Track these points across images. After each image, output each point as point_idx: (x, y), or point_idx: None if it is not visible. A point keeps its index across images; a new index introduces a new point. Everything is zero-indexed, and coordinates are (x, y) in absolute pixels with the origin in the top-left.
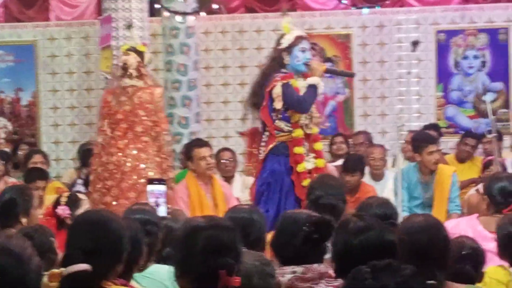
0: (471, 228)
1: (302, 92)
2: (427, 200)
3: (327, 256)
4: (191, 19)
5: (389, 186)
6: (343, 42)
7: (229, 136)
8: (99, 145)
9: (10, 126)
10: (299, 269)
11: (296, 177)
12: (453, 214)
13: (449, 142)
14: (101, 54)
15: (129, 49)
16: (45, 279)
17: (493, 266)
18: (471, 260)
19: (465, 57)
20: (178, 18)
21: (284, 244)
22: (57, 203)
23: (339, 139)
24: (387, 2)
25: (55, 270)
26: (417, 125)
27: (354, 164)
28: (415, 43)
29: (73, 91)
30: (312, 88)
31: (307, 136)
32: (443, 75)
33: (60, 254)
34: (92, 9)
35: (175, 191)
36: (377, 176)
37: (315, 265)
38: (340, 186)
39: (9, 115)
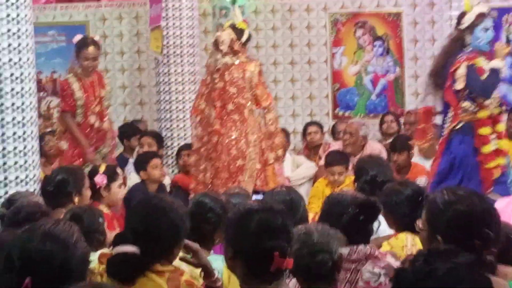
0: None
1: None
2: None
3: (373, 237)
4: None
5: None
6: (393, 20)
7: (279, 115)
8: (198, 124)
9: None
10: (344, 250)
11: (483, 158)
12: None
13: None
14: (151, 35)
15: (229, 26)
16: (95, 261)
17: None
18: None
19: None
20: None
21: (330, 225)
22: (92, 171)
23: (389, 117)
24: None
25: (106, 251)
26: None
27: (401, 143)
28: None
29: (124, 71)
30: (495, 72)
31: (490, 117)
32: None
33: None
34: None
35: None
36: (427, 154)
37: (361, 246)
38: (388, 165)
39: None
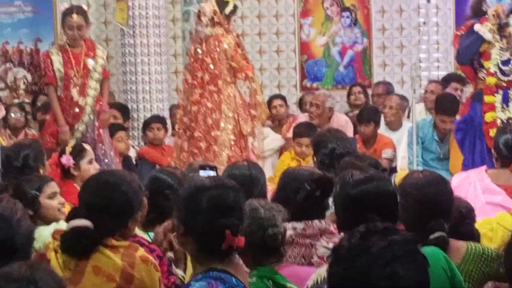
0: (480, 180)
1: None
2: (442, 156)
3: (329, 212)
4: None
5: (405, 137)
6: None
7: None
8: (182, 94)
9: (29, 77)
10: (299, 225)
11: (485, 126)
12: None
13: (467, 92)
14: (117, 5)
15: None
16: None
17: (502, 213)
18: (469, 218)
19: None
20: None
21: (286, 200)
22: (60, 153)
23: (357, 89)
24: None
25: (60, 228)
26: (435, 74)
27: (368, 114)
28: None
29: None
30: (474, 36)
31: (497, 85)
32: (462, 24)
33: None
34: None
35: None
36: (393, 126)
37: (316, 221)
38: (348, 138)
39: (28, 66)
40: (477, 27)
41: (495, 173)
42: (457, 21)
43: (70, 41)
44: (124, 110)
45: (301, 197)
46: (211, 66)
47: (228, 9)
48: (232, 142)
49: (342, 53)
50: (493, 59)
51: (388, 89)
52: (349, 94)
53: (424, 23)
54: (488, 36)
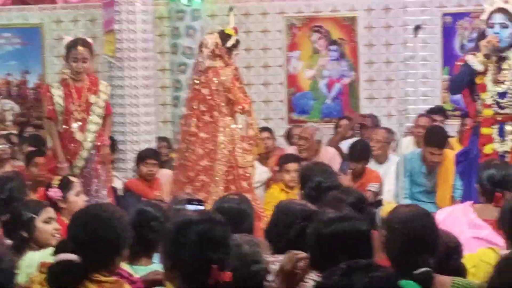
0: (465, 215)
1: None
2: (430, 189)
3: None
4: (197, 1)
5: (391, 171)
6: (348, 24)
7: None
8: (184, 121)
9: (17, 109)
10: None
11: (484, 158)
12: (457, 200)
13: (454, 126)
14: (105, 38)
15: (217, 31)
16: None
17: (484, 248)
18: (457, 253)
19: (471, 40)
20: (184, 0)
21: (278, 234)
22: (49, 186)
23: (344, 121)
24: None
25: (47, 261)
26: (423, 108)
27: (359, 153)
28: (417, 28)
29: None
30: (465, 66)
31: (494, 118)
32: (449, 58)
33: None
34: None
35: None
36: (380, 159)
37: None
38: (333, 172)
39: (16, 98)
40: (468, 58)
41: (480, 207)
42: (444, 55)
43: (74, 74)
44: (111, 142)
45: (293, 233)
46: (208, 97)
47: (230, 43)
48: (225, 173)
49: (329, 86)
50: (489, 91)
51: (374, 121)
52: (336, 127)
53: (412, 57)
54: (478, 67)
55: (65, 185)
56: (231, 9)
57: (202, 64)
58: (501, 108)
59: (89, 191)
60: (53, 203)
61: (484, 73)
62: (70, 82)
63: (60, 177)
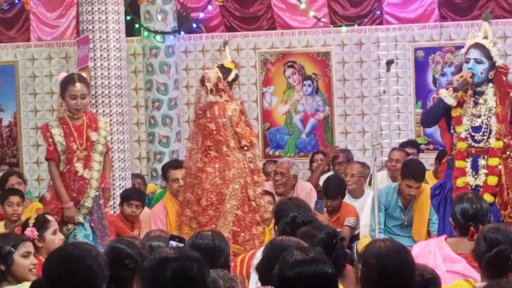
0: (439, 249)
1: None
2: (406, 223)
3: None
4: (170, 38)
5: (367, 205)
6: (322, 60)
7: None
8: (187, 157)
9: None
10: None
11: (456, 191)
12: (434, 234)
13: (428, 159)
14: None
15: (218, 66)
16: None
17: (459, 280)
18: (433, 284)
19: (443, 74)
20: (158, 37)
21: (271, 270)
22: (23, 226)
23: (319, 156)
24: (366, 20)
25: None
26: (397, 142)
27: (334, 190)
28: (389, 63)
29: (54, 111)
30: (438, 100)
31: (482, 150)
32: (422, 92)
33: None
34: (72, 29)
35: (153, 212)
36: (355, 194)
37: None
38: (308, 207)
39: None
40: (441, 91)
41: (454, 241)
42: (417, 89)
43: (72, 111)
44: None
45: None
46: (215, 132)
47: (231, 77)
48: (236, 207)
49: (304, 121)
50: (464, 124)
51: (348, 156)
52: (311, 162)
53: (384, 91)
54: (450, 101)
55: (41, 224)
56: (226, 43)
57: (205, 99)
58: (476, 142)
59: (98, 235)
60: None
61: (460, 106)
62: (68, 120)
63: (35, 216)
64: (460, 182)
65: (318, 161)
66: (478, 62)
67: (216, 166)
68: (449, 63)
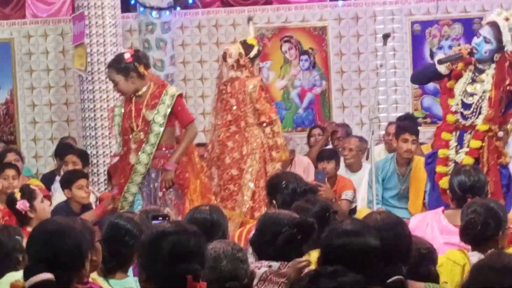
0: (436, 221)
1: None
2: (403, 192)
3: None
4: (166, 14)
5: (365, 179)
6: (319, 34)
7: (207, 130)
8: (211, 132)
9: None
10: (275, 264)
11: (438, 162)
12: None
13: (426, 132)
14: (75, 52)
15: (240, 41)
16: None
17: (453, 250)
18: (429, 259)
19: (440, 47)
20: (153, 13)
21: (265, 243)
22: (11, 201)
23: (316, 131)
24: None
25: (17, 282)
26: (394, 116)
27: (328, 152)
28: (386, 36)
29: (51, 88)
30: (429, 63)
31: (469, 126)
32: (419, 66)
33: None
34: (68, 5)
35: None
36: (353, 168)
37: (291, 263)
38: (301, 177)
39: None
40: (438, 55)
41: (451, 213)
42: (414, 63)
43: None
44: (83, 156)
45: (281, 239)
46: (234, 108)
47: (253, 53)
48: (252, 182)
49: (301, 96)
50: (456, 98)
51: (347, 131)
52: (309, 136)
53: (381, 65)
54: (441, 69)
55: (28, 195)
56: (250, 18)
57: (226, 75)
58: (464, 118)
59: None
60: (22, 216)
61: (456, 78)
62: (133, 99)
63: (18, 189)
64: (441, 153)
65: (316, 136)
66: (486, 41)
67: (235, 141)
68: (446, 36)
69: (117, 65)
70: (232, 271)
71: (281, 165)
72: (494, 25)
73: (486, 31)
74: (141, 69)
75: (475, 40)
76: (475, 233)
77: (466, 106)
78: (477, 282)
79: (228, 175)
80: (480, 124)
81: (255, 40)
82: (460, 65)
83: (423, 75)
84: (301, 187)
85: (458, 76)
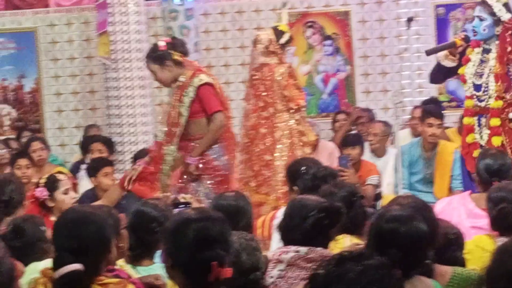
0: (463, 205)
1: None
2: (428, 176)
3: None
4: (189, 1)
5: (390, 163)
6: (342, 19)
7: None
8: (244, 117)
9: (14, 113)
10: (303, 249)
11: (466, 148)
12: (456, 191)
13: (451, 116)
14: (99, 40)
15: (272, 27)
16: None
17: (480, 235)
18: (456, 244)
19: (464, 31)
20: (176, 0)
21: (293, 228)
22: (37, 185)
23: (341, 116)
24: None
25: (47, 270)
26: (419, 100)
27: (353, 138)
28: (409, 20)
29: (75, 77)
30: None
31: (484, 109)
32: None
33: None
34: None
35: None
36: (378, 153)
37: (319, 249)
38: (320, 162)
39: (13, 102)
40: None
41: (478, 197)
42: None
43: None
44: (108, 144)
45: (309, 224)
46: (263, 94)
47: (283, 39)
48: (281, 167)
49: (325, 81)
50: (468, 82)
51: (371, 116)
52: (334, 122)
53: (406, 49)
54: (448, 64)
55: (51, 184)
56: (284, 4)
57: (256, 61)
58: (479, 101)
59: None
60: (42, 203)
61: (466, 64)
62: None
63: (46, 176)
64: (469, 138)
65: (340, 121)
66: (480, 19)
67: (268, 127)
68: (470, 19)
69: (152, 54)
70: (254, 263)
71: (311, 148)
72: (483, 3)
73: (478, 11)
74: (177, 56)
75: (470, 25)
76: (509, 222)
77: (476, 87)
78: (500, 265)
79: (262, 161)
80: (493, 102)
81: (287, 27)
82: (468, 50)
83: (438, 74)
84: (321, 171)
85: (468, 61)
